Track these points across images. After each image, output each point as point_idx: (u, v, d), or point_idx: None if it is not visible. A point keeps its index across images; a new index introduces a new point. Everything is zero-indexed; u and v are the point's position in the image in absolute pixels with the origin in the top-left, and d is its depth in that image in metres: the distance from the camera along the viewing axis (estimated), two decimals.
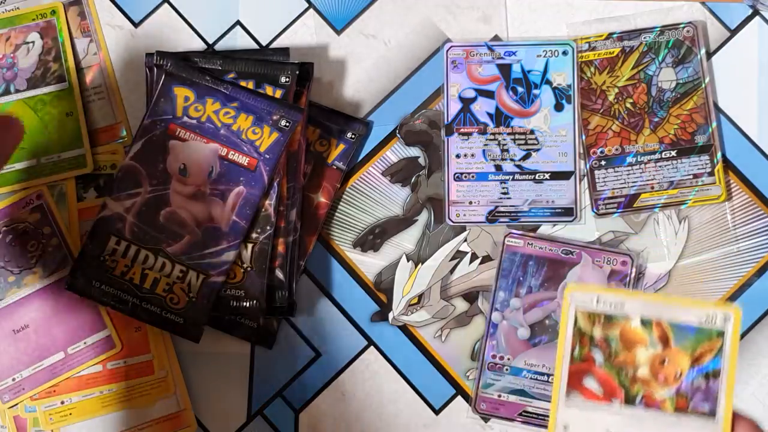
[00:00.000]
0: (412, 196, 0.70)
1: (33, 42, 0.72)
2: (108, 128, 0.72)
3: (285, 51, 0.69)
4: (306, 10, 0.72)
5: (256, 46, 0.72)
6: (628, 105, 0.69)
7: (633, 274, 0.66)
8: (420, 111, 0.71)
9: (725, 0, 0.70)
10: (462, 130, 0.69)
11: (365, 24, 0.72)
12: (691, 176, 0.68)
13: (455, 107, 0.69)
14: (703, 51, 0.69)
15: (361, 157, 0.71)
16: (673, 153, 0.68)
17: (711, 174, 0.68)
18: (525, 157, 0.69)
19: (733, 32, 0.70)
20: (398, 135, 0.71)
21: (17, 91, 0.72)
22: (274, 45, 0.72)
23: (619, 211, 0.68)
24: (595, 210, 0.68)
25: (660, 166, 0.68)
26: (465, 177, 0.69)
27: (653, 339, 0.44)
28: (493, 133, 0.69)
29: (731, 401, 0.43)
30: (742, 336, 0.67)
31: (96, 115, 0.72)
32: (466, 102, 0.69)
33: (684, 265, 0.68)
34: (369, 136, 0.71)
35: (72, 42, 0.73)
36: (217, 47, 0.72)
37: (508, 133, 0.69)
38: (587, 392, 0.44)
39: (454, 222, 0.69)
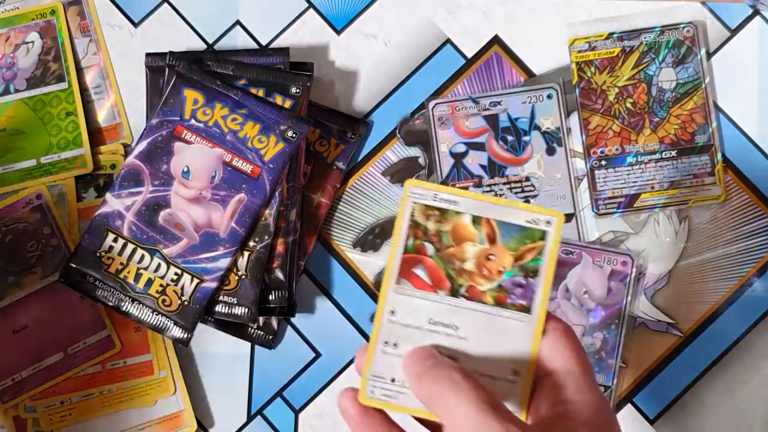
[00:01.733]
0: None
1: (33, 42, 0.72)
2: (108, 128, 0.72)
3: (285, 51, 0.69)
4: (306, 10, 0.72)
5: (255, 46, 0.72)
6: (629, 105, 0.69)
7: (633, 274, 0.66)
8: (420, 111, 0.71)
9: (725, 0, 0.70)
10: (458, 185, 0.69)
11: (365, 24, 0.72)
12: (691, 176, 0.68)
13: (448, 163, 0.69)
14: (703, 51, 0.69)
15: (361, 157, 0.71)
16: (674, 153, 0.68)
17: (711, 174, 0.68)
18: None
19: (734, 32, 0.70)
20: (398, 135, 0.71)
21: (17, 90, 0.72)
22: (274, 45, 0.72)
23: (619, 211, 0.68)
24: (595, 210, 0.68)
25: (660, 166, 0.68)
26: None
27: (481, 236, 0.46)
28: (489, 185, 0.69)
29: (546, 298, 0.45)
30: (743, 336, 0.67)
31: (96, 115, 0.72)
32: (458, 157, 0.69)
33: (684, 265, 0.68)
34: (369, 136, 0.71)
35: (72, 42, 0.72)
36: (217, 47, 0.72)
37: (504, 183, 0.69)
38: (416, 281, 0.46)
39: None
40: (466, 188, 0.66)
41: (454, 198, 0.46)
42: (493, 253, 0.46)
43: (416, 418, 0.45)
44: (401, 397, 0.44)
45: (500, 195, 0.69)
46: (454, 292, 0.46)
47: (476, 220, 0.46)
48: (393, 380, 0.45)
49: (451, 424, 0.39)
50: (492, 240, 0.46)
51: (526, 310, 0.45)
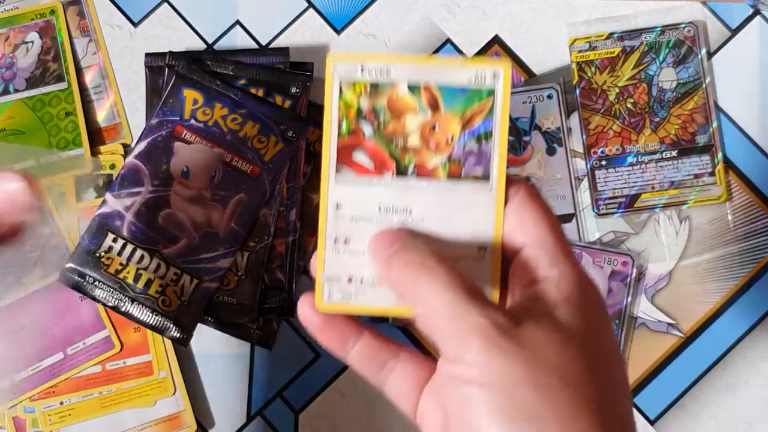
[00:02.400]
0: None
1: (32, 42, 0.72)
2: (107, 128, 0.72)
3: (285, 51, 0.69)
4: (306, 9, 0.72)
5: (255, 46, 0.72)
6: (629, 105, 0.68)
7: (634, 275, 0.66)
8: None
9: (726, 0, 0.70)
10: None
11: (365, 24, 0.72)
12: (691, 176, 0.68)
13: None
14: (703, 51, 0.68)
15: None
16: (674, 153, 0.68)
17: (712, 174, 0.68)
18: None
19: (734, 32, 0.70)
20: None
21: (16, 90, 0.72)
22: (273, 45, 0.72)
23: (619, 211, 0.68)
24: (595, 210, 0.68)
25: (661, 166, 0.68)
26: None
27: (422, 105, 0.40)
28: None
29: (504, 161, 0.40)
30: (744, 336, 0.67)
31: (95, 115, 0.72)
32: None
33: (685, 265, 0.68)
34: None
35: (71, 41, 0.72)
36: (217, 47, 0.72)
37: None
38: (358, 167, 0.41)
39: None
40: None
41: (384, 66, 0.40)
42: (438, 122, 0.41)
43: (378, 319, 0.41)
44: (362, 296, 0.40)
45: None
46: (401, 172, 0.41)
47: (413, 88, 0.40)
48: (350, 279, 0.41)
49: (424, 313, 0.35)
50: (435, 108, 0.40)
51: (485, 178, 0.40)
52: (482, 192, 0.40)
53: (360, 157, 0.41)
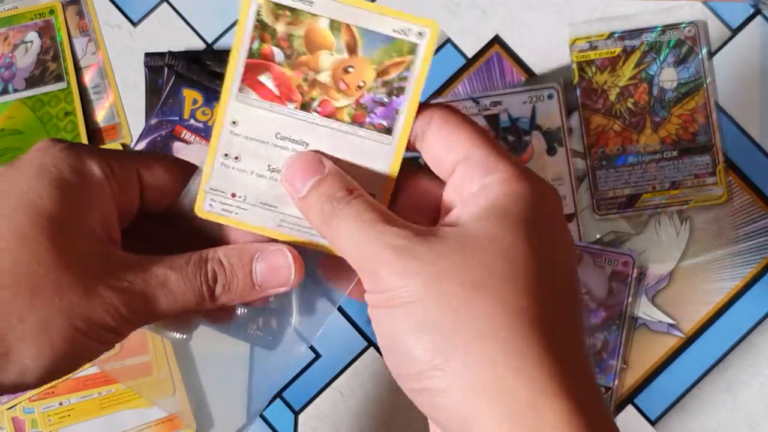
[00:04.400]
0: None
1: (31, 41, 0.72)
2: (107, 128, 0.72)
3: None
4: None
5: None
6: (630, 105, 0.68)
7: (634, 275, 0.66)
8: None
9: (727, 0, 0.70)
10: None
11: None
12: (692, 176, 0.68)
13: None
14: (704, 51, 0.68)
15: None
16: (675, 153, 0.68)
17: (712, 174, 0.67)
18: None
19: (735, 32, 0.70)
20: None
21: (15, 90, 0.72)
22: None
23: (620, 211, 0.68)
24: (595, 210, 0.68)
25: (661, 166, 0.68)
26: None
27: (340, 44, 0.39)
28: None
29: (411, 120, 0.39)
30: (745, 336, 0.67)
31: (95, 115, 0.72)
32: None
33: (686, 265, 0.68)
34: None
35: (70, 41, 0.72)
36: (216, 47, 0.72)
37: None
38: (262, 90, 0.40)
39: None
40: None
41: None
42: (353, 65, 0.39)
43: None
44: (243, 214, 0.41)
45: None
46: (305, 106, 0.40)
47: (335, 25, 0.39)
48: (234, 194, 0.41)
49: (343, 252, 0.35)
50: (352, 50, 0.39)
51: (387, 131, 0.40)
52: (383, 144, 0.40)
53: (266, 80, 0.40)
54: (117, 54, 0.73)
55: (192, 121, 0.65)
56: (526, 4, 0.71)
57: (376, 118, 0.40)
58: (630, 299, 0.66)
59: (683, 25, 0.69)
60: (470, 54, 0.71)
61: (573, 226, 0.68)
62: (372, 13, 0.38)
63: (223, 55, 0.69)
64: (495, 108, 0.69)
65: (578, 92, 0.69)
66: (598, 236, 0.68)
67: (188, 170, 0.42)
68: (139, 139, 0.65)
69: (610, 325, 0.66)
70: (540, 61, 0.70)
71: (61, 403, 0.69)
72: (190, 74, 0.66)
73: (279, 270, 0.39)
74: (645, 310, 0.68)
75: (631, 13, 0.69)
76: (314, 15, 0.39)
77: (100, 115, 0.72)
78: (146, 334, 0.69)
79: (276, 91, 0.40)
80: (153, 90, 0.69)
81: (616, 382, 0.66)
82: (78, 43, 0.72)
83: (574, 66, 0.69)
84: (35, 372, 0.35)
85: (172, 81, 0.66)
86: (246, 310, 0.48)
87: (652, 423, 0.67)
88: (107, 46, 0.73)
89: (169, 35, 0.73)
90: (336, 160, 0.39)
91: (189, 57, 0.68)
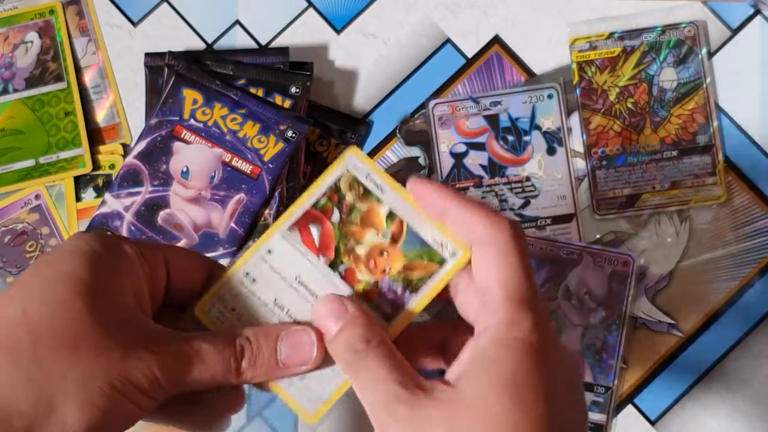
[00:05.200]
0: None
1: (31, 41, 0.72)
2: (107, 128, 0.72)
3: (285, 51, 0.69)
4: (306, 9, 0.72)
5: (255, 46, 0.72)
6: (630, 105, 0.68)
7: (634, 275, 0.66)
8: (420, 111, 0.70)
9: (727, 0, 0.70)
10: (458, 185, 0.69)
11: (365, 24, 0.72)
12: (692, 176, 0.68)
13: (448, 163, 0.69)
14: (704, 50, 0.68)
15: None
16: (675, 153, 0.68)
17: (712, 174, 0.68)
18: (524, 205, 0.68)
19: (735, 32, 0.70)
20: (398, 135, 0.70)
21: (15, 90, 0.72)
22: (273, 45, 0.72)
23: (620, 211, 0.68)
24: (595, 210, 0.68)
25: (661, 166, 0.68)
26: None
27: (387, 231, 0.45)
28: (489, 185, 0.69)
29: (409, 320, 0.44)
30: (744, 336, 0.67)
31: (95, 115, 0.72)
32: (458, 157, 0.69)
33: (685, 265, 0.68)
34: (369, 136, 0.71)
35: (70, 41, 0.72)
36: (217, 47, 0.72)
37: (504, 183, 0.69)
38: (307, 237, 0.45)
39: None
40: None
41: (383, 184, 0.45)
42: (388, 252, 0.45)
43: None
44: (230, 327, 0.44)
45: (501, 195, 0.68)
46: (332, 265, 0.45)
47: (391, 215, 0.45)
48: (233, 310, 0.45)
49: (360, 395, 0.40)
50: (395, 240, 0.45)
51: (387, 318, 0.44)
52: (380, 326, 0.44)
53: (314, 231, 0.45)
54: (117, 54, 0.73)
55: (192, 121, 0.65)
56: (526, 4, 0.71)
57: (384, 303, 0.44)
58: (630, 299, 0.66)
59: (683, 25, 0.69)
60: (470, 54, 0.71)
61: (573, 226, 0.68)
62: (424, 220, 0.44)
63: (223, 55, 0.69)
64: (495, 108, 0.69)
65: (578, 92, 0.69)
66: (598, 236, 0.68)
67: (210, 264, 0.45)
68: (139, 139, 0.65)
69: (610, 325, 0.66)
70: (540, 61, 0.70)
71: None
72: (190, 74, 0.66)
73: (302, 348, 0.41)
74: (645, 310, 0.68)
75: (631, 13, 0.70)
76: (379, 201, 0.45)
77: (100, 115, 0.72)
78: None
79: (317, 243, 0.45)
80: (153, 90, 0.69)
81: (615, 381, 0.66)
82: (78, 43, 0.72)
83: (574, 66, 0.69)
84: (75, 429, 0.36)
85: (172, 81, 0.66)
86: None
87: (652, 423, 0.67)
88: (107, 46, 0.73)
89: (169, 35, 0.73)
90: None
91: (189, 57, 0.68)
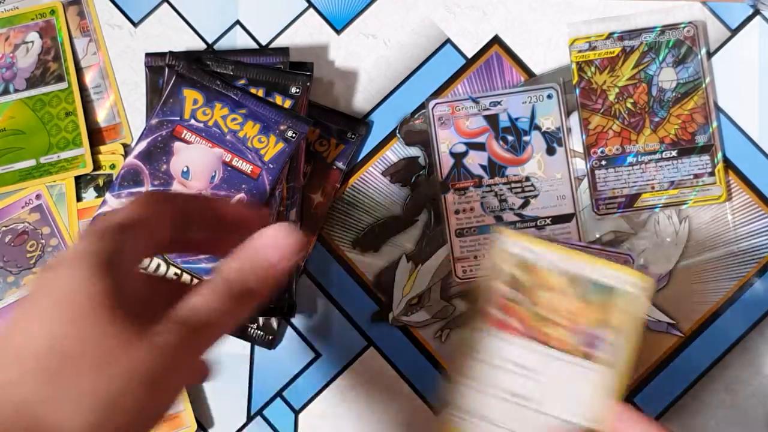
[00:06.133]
0: (412, 196, 0.70)
1: (32, 42, 0.72)
2: (107, 128, 0.72)
3: (285, 51, 0.69)
4: (306, 10, 0.72)
5: (255, 46, 0.72)
6: (629, 105, 0.68)
7: None
8: (420, 111, 0.71)
9: (726, 0, 0.70)
10: (457, 185, 0.69)
11: (365, 24, 0.72)
12: (691, 176, 0.68)
13: (448, 163, 0.69)
14: (703, 51, 0.68)
15: (361, 157, 0.71)
16: (674, 153, 0.68)
17: (712, 174, 0.68)
18: (524, 205, 0.68)
19: (734, 32, 0.70)
20: (398, 135, 0.71)
21: (16, 90, 0.72)
22: (273, 45, 0.72)
23: (619, 211, 0.68)
24: (595, 210, 0.68)
25: (660, 166, 0.68)
26: (467, 232, 0.69)
27: (569, 289, 0.48)
28: (489, 185, 0.69)
29: (629, 356, 0.47)
30: (744, 336, 0.67)
31: (95, 115, 0.72)
32: (458, 157, 0.69)
33: (685, 265, 0.68)
34: (369, 136, 0.71)
35: (71, 41, 0.72)
36: (217, 47, 0.72)
37: (504, 183, 0.69)
38: (502, 324, 0.49)
39: (461, 279, 0.68)
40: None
41: (540, 250, 0.49)
42: (577, 307, 0.48)
43: None
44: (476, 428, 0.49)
45: (500, 195, 0.69)
46: (538, 339, 0.49)
47: (561, 274, 0.49)
48: (474, 413, 0.49)
49: None
50: (576, 294, 0.49)
51: (607, 364, 0.47)
52: (604, 374, 0.48)
53: (506, 316, 0.49)
54: (118, 54, 0.73)
55: (192, 122, 0.65)
56: (525, 4, 0.71)
57: (598, 353, 0.48)
58: None
59: (682, 25, 0.69)
60: (470, 54, 0.71)
61: (573, 226, 0.68)
62: (598, 267, 0.48)
63: (223, 56, 0.69)
64: (495, 108, 0.69)
65: (577, 92, 0.69)
66: (597, 236, 0.68)
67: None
68: (140, 139, 0.65)
69: None
70: (539, 62, 0.70)
71: None
72: (190, 74, 0.66)
73: (280, 241, 0.42)
74: None
75: (630, 14, 0.70)
76: (549, 266, 0.49)
77: (101, 115, 0.72)
78: None
79: (514, 326, 0.49)
80: (153, 90, 0.69)
81: None
82: (79, 43, 0.73)
83: (574, 66, 0.69)
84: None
85: (172, 81, 0.66)
86: None
87: None
88: (108, 47, 0.73)
89: (170, 35, 0.73)
90: (560, 385, 0.48)
91: (189, 57, 0.68)
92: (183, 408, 0.69)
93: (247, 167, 0.65)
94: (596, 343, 0.48)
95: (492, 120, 0.69)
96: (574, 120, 0.69)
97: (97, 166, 0.71)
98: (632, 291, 0.47)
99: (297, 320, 0.70)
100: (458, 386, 0.48)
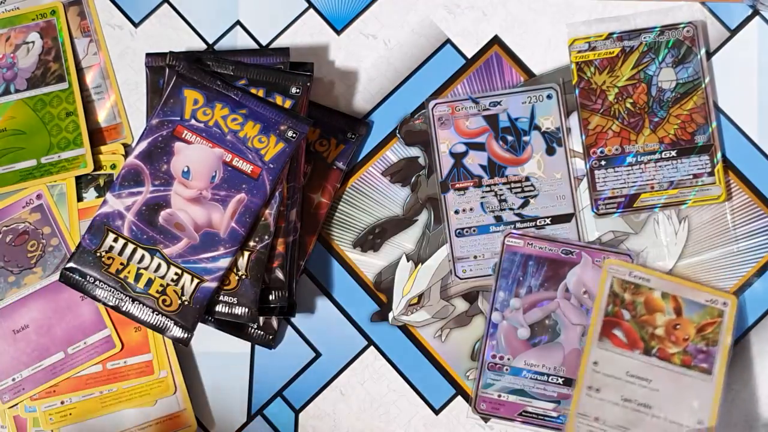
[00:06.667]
0: (412, 196, 0.70)
1: (33, 42, 0.72)
2: (108, 128, 0.72)
3: (285, 51, 0.69)
4: (306, 10, 0.72)
5: (256, 46, 0.72)
6: (628, 105, 0.69)
7: None
8: (420, 111, 0.71)
9: (725, 0, 0.70)
10: (457, 185, 0.69)
11: (365, 24, 0.72)
12: (691, 176, 0.68)
13: (448, 163, 0.69)
14: (703, 51, 0.69)
15: (361, 157, 0.71)
16: (673, 153, 0.68)
17: (711, 174, 0.68)
18: (523, 205, 0.69)
19: (733, 32, 0.70)
20: (398, 135, 0.71)
21: (17, 90, 0.72)
22: (274, 45, 0.72)
23: (619, 211, 0.68)
24: (595, 210, 0.68)
25: (660, 166, 0.68)
26: (466, 232, 0.69)
27: (669, 308, 0.61)
28: (489, 185, 0.69)
29: (725, 363, 0.60)
30: (743, 335, 0.67)
31: (96, 115, 0.72)
32: (458, 157, 0.69)
33: (684, 264, 0.68)
34: (369, 136, 0.71)
35: (72, 42, 0.73)
36: (217, 47, 0.73)
37: (504, 183, 0.69)
38: (615, 340, 0.61)
39: (462, 278, 0.69)
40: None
41: (647, 276, 0.62)
42: (679, 324, 0.60)
43: None
44: None
45: (500, 195, 0.69)
46: (647, 352, 0.60)
47: (665, 295, 0.61)
48: (596, 419, 0.60)
49: None
50: (678, 312, 0.61)
51: (708, 372, 0.60)
52: (706, 381, 0.61)
53: (618, 333, 0.61)
54: (118, 54, 0.73)
55: (193, 122, 0.65)
56: (525, 4, 0.71)
57: (699, 362, 0.61)
58: None
59: (682, 26, 0.69)
60: (470, 54, 0.71)
61: (572, 226, 0.68)
62: (691, 289, 0.62)
63: (223, 56, 0.69)
64: (494, 108, 0.69)
65: (577, 92, 0.69)
66: (597, 236, 0.68)
67: None
68: (141, 139, 0.66)
69: None
70: (539, 62, 0.70)
71: (62, 402, 0.69)
72: (191, 74, 0.66)
73: None
74: None
75: (630, 14, 0.70)
76: (651, 288, 0.62)
77: (102, 115, 0.72)
78: (147, 334, 0.69)
79: (625, 341, 0.61)
80: (154, 90, 0.69)
81: None
82: (79, 43, 0.73)
83: (573, 66, 0.69)
84: None
85: (173, 81, 0.66)
86: None
87: None
88: (108, 47, 0.73)
89: (170, 36, 0.73)
90: (670, 392, 0.60)
91: (190, 57, 0.68)
92: (184, 407, 0.69)
93: (247, 167, 0.65)
94: (695, 352, 0.60)
95: (492, 120, 0.69)
96: (574, 120, 0.69)
97: (97, 166, 0.71)
98: (722, 309, 0.60)
99: (297, 320, 0.70)
100: (583, 395, 0.59)
